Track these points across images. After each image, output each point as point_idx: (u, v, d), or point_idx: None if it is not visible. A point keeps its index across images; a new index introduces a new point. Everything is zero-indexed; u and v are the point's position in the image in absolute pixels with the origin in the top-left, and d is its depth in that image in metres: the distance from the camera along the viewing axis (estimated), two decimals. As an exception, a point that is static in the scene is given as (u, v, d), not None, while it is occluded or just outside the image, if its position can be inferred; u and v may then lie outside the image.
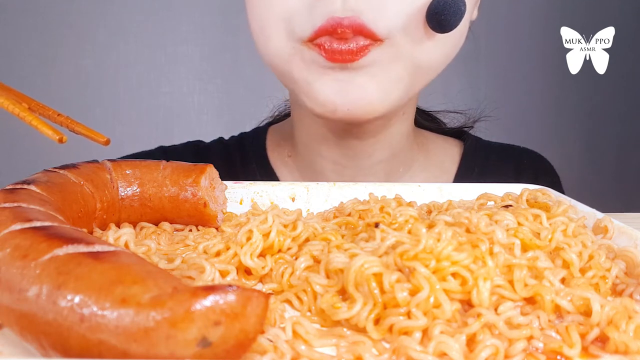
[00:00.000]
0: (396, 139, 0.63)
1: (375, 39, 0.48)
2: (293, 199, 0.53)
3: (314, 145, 0.64)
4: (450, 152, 0.72)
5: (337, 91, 0.50)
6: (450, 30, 0.48)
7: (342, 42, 0.48)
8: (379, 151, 0.63)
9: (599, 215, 0.44)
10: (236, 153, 0.72)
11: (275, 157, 0.70)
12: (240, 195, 0.53)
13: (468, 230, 0.35)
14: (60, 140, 0.39)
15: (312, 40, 0.49)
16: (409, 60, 0.51)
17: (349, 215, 0.46)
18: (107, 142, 0.45)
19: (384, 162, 0.64)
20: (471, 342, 0.27)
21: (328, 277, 0.33)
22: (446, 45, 0.53)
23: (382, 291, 0.29)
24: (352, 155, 0.63)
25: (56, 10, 1.53)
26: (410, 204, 0.47)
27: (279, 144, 0.71)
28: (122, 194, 0.43)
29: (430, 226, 0.34)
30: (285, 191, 0.53)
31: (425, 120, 0.76)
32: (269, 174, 0.69)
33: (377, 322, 0.29)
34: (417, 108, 0.67)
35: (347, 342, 0.28)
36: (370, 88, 0.50)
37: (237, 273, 0.36)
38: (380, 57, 0.50)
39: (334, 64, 0.49)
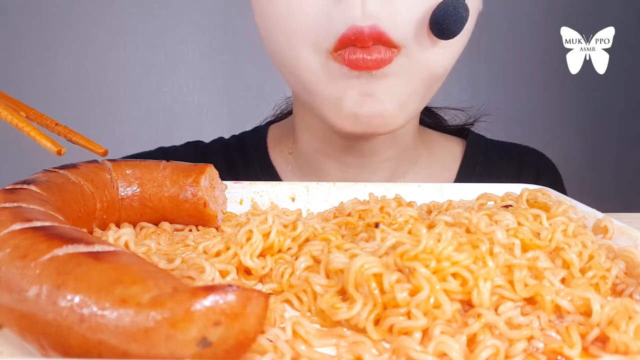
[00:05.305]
0: (402, 136, 0.63)
1: (392, 46, 0.49)
2: (293, 199, 0.53)
3: (317, 144, 0.64)
4: (452, 149, 0.72)
5: (358, 103, 0.51)
6: (453, 37, 0.49)
7: (366, 52, 0.48)
8: (385, 150, 0.63)
9: (599, 215, 0.44)
10: (237, 151, 0.72)
11: (277, 155, 0.70)
12: (240, 195, 0.53)
13: (468, 231, 0.35)
14: (59, 153, 0.39)
15: (337, 50, 0.49)
16: (425, 71, 0.52)
17: (349, 215, 0.46)
18: (105, 153, 0.45)
19: (390, 160, 0.64)
20: (471, 342, 0.27)
21: (328, 277, 0.33)
22: (455, 48, 0.54)
23: (382, 291, 0.29)
24: (358, 154, 0.63)
25: (56, 10, 1.53)
26: (410, 204, 0.47)
27: (280, 141, 0.71)
28: (122, 194, 0.43)
29: (431, 226, 0.34)
30: (285, 191, 0.53)
31: (427, 117, 0.77)
32: (270, 172, 0.69)
33: (377, 322, 0.29)
34: None
35: (347, 342, 0.28)
36: (389, 103, 0.51)
37: (237, 273, 0.36)
38: (401, 68, 0.50)
39: (359, 73, 0.50)
